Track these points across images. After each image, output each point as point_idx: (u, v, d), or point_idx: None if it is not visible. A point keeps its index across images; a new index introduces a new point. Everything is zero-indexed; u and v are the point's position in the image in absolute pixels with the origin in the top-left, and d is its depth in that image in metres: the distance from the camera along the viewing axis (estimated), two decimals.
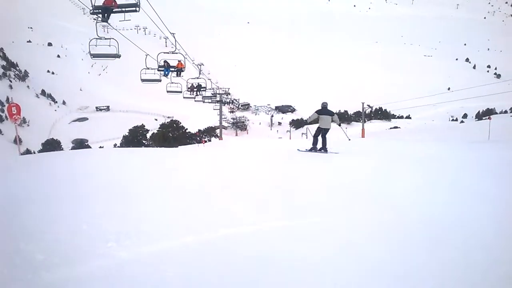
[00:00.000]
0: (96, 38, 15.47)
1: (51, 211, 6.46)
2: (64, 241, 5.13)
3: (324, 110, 13.64)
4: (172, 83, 23.80)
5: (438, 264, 4.71)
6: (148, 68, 22.20)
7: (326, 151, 13.92)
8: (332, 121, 13.67)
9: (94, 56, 17.58)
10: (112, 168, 11.94)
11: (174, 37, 18.51)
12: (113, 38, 15.82)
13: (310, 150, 14.12)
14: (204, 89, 30.35)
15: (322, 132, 13.70)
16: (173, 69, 22.27)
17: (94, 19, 14.86)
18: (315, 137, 13.90)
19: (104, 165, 12.56)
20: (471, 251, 5.11)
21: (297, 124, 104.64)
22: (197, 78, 28.50)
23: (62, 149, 49.72)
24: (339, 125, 16.37)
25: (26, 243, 4.94)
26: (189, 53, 27.01)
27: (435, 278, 4.39)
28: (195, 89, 30.13)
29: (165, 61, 21.86)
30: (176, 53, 20.00)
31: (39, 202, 6.94)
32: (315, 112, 13.69)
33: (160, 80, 23.94)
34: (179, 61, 22.17)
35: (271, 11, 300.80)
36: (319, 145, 13.96)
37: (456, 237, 5.65)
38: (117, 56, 16.56)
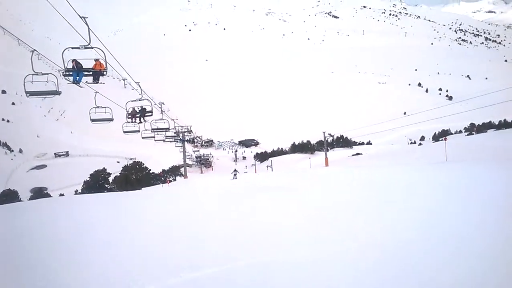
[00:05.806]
0: (32, 74, 13.09)
1: None
2: None
3: None
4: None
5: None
6: (98, 107, 18.75)
7: None
8: None
9: (30, 94, 13.81)
10: (57, 221, 11.48)
11: (85, 21, 12.40)
12: (51, 73, 13.48)
13: None
14: (150, 113, 23.19)
15: None
16: (88, 72, 14.78)
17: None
18: None
19: (56, 217, 12.06)
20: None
21: (262, 157, 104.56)
22: (139, 100, 21.39)
23: (20, 200, 47.60)
24: None
25: None
26: (149, 94, 24.29)
27: None
28: (137, 115, 22.96)
29: (74, 61, 14.35)
30: (90, 47, 13.03)
31: None
32: None
33: (112, 119, 19.47)
34: (96, 60, 14.89)
35: (227, 48, 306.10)
36: None
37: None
38: (56, 93, 13.84)
